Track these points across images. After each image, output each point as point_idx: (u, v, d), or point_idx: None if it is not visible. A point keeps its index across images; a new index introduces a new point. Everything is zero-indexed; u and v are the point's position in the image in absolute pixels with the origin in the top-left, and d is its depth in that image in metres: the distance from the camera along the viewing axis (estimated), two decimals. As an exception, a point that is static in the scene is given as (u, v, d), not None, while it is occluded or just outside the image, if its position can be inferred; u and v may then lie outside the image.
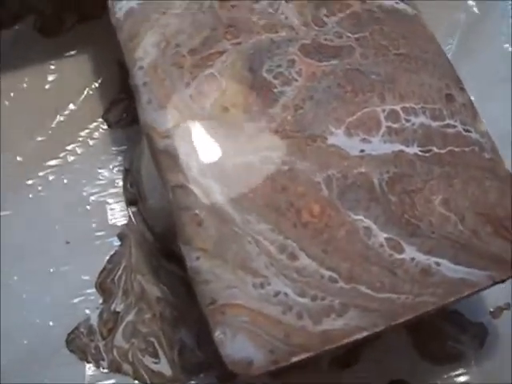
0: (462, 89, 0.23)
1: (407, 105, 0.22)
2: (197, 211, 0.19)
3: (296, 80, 0.21)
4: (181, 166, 0.19)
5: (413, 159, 0.21)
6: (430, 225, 0.20)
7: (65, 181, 0.24)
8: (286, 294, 0.18)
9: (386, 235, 0.20)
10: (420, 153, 0.21)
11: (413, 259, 0.20)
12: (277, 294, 0.18)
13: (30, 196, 0.24)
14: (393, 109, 0.21)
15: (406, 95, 0.22)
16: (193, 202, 0.19)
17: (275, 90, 0.21)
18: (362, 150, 0.20)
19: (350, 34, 0.22)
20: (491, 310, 0.25)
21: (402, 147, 0.21)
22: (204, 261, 0.18)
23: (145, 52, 0.21)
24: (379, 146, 0.21)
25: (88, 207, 0.24)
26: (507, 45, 0.29)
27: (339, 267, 0.19)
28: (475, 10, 0.30)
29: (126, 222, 0.24)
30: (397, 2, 0.24)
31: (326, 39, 0.22)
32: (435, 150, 0.21)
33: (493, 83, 0.28)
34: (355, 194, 0.20)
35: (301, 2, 0.23)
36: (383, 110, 0.21)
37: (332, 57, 0.22)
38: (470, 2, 0.30)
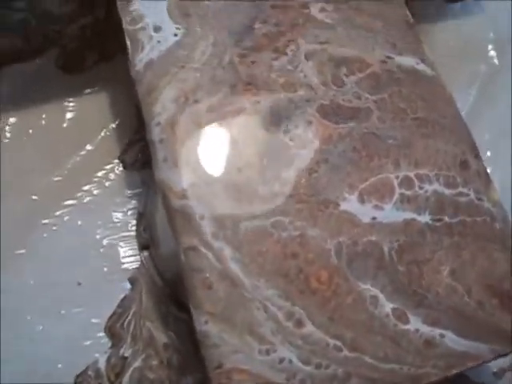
0: (477, 156, 0.24)
1: (422, 171, 0.23)
2: (207, 274, 0.20)
3: (312, 142, 0.23)
4: (195, 228, 0.21)
5: (423, 228, 0.22)
6: (436, 295, 0.21)
7: (79, 222, 0.26)
8: (290, 361, 0.20)
9: (392, 305, 0.21)
10: (431, 222, 0.22)
11: (417, 330, 0.21)
12: (282, 360, 0.20)
13: (45, 235, 0.26)
14: (407, 175, 0.23)
15: (422, 161, 0.23)
16: (204, 264, 0.20)
17: (291, 153, 0.22)
18: (374, 218, 0.22)
19: (368, 96, 0.24)
20: (494, 370, 0.26)
21: (414, 215, 0.22)
22: (212, 325, 0.20)
23: (163, 107, 0.22)
24: (391, 213, 0.22)
25: (101, 250, 0.26)
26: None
27: (344, 336, 0.20)
28: (495, 61, 0.31)
29: (137, 266, 0.26)
30: (417, 63, 0.25)
31: (344, 100, 0.24)
32: (446, 219, 0.22)
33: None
34: (364, 262, 0.21)
35: (320, 60, 0.24)
36: (397, 177, 0.23)
37: (349, 118, 0.23)
38: (491, 53, 0.31)
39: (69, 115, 0.28)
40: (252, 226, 0.21)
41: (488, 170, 0.24)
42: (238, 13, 0.25)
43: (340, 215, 0.22)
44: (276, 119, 0.23)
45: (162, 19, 0.24)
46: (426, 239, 0.22)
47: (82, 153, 0.27)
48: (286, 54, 0.24)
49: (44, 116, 0.28)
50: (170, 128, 0.22)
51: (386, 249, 0.21)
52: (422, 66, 0.25)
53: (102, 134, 0.27)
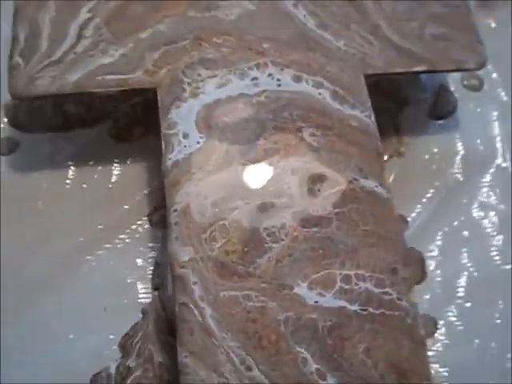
0: (407, 265, 0.34)
1: (360, 272, 0.34)
2: (191, 324, 0.32)
3: (283, 240, 0.34)
4: (188, 290, 0.32)
5: (351, 314, 0.33)
6: (350, 365, 0.32)
7: (111, 262, 0.38)
8: (238, 393, 0.31)
9: (316, 366, 0.32)
10: (358, 310, 0.33)
11: (332, 387, 0.32)
12: (232, 391, 0.31)
13: (85, 269, 0.38)
14: (348, 274, 0.34)
15: (362, 265, 0.34)
16: (191, 317, 0.32)
17: (266, 245, 0.34)
18: (316, 301, 0.33)
19: (332, 208, 0.35)
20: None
21: (346, 304, 0.33)
22: (189, 360, 0.31)
23: (181, 198, 0.34)
24: (330, 300, 0.33)
25: (125, 285, 0.37)
26: (481, 213, 0.41)
27: (279, 382, 0.32)
28: (459, 176, 0.41)
29: (149, 302, 0.37)
30: (376, 186, 0.36)
31: (313, 210, 0.35)
32: (370, 310, 0.33)
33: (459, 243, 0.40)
34: (303, 332, 0.32)
35: (302, 176, 0.35)
36: (340, 274, 0.34)
37: (314, 225, 0.34)
38: (458, 169, 0.42)
39: (114, 178, 0.40)
40: (228, 295, 0.32)
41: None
42: (248, 129, 0.36)
43: (292, 296, 0.33)
44: (259, 218, 0.34)
45: (190, 128, 0.36)
46: (352, 322, 0.33)
47: (121, 210, 0.39)
48: (277, 167, 0.35)
49: (96, 176, 0.40)
50: (183, 215, 0.34)
51: (320, 325, 0.32)
52: (379, 189, 0.36)
53: (137, 197, 0.39)
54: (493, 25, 0.47)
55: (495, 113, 0.44)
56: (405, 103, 0.44)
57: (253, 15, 0.39)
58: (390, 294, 0.34)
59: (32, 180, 0.40)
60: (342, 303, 0.33)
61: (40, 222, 0.39)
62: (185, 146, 0.35)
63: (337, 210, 0.35)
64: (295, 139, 0.36)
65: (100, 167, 0.40)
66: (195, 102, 0.36)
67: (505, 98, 0.45)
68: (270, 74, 0.38)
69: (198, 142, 0.35)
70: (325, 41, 0.39)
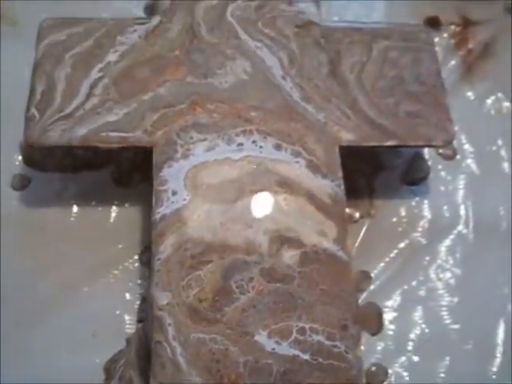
0: (356, 323, 0.41)
1: (314, 326, 0.41)
2: (164, 359, 0.39)
3: (249, 292, 0.41)
4: (163, 330, 0.40)
5: (303, 362, 0.40)
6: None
7: (103, 294, 0.46)
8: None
9: (268, 405, 0.39)
10: (310, 359, 0.40)
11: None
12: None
13: (81, 297, 0.45)
14: (303, 326, 0.41)
15: (316, 319, 0.41)
16: (163, 353, 0.39)
17: (234, 296, 0.41)
18: (273, 349, 0.40)
19: (295, 267, 0.42)
20: None
21: (300, 353, 0.40)
22: (159, 390, 0.39)
23: (165, 248, 0.42)
24: (285, 348, 0.40)
25: (113, 316, 0.45)
26: (438, 275, 0.47)
27: (234, 416, 0.39)
28: (422, 240, 0.48)
29: (134, 332, 0.45)
30: (338, 250, 0.42)
31: (279, 267, 0.42)
32: (320, 360, 0.40)
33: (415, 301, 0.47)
34: (259, 375, 0.40)
35: (273, 239, 0.42)
36: (297, 326, 0.41)
37: (278, 281, 0.41)
38: (421, 233, 0.48)
39: (112, 218, 0.48)
40: (197, 337, 0.40)
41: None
42: (229, 191, 0.43)
43: (253, 342, 0.40)
44: (231, 272, 0.41)
45: (178, 186, 0.43)
46: (303, 369, 0.40)
47: (116, 248, 0.47)
48: (251, 227, 0.42)
49: (96, 215, 0.48)
50: (165, 264, 0.41)
51: (275, 369, 0.40)
52: (340, 253, 0.43)
53: (131, 237, 0.47)
54: (472, 97, 0.54)
55: (463, 182, 0.51)
56: (380, 168, 0.51)
57: (245, 84, 0.47)
58: (339, 347, 0.41)
59: (40, 214, 0.48)
60: (296, 352, 0.40)
61: (44, 253, 0.47)
62: (172, 202, 0.43)
63: (299, 269, 0.42)
64: (269, 203, 0.43)
65: (101, 207, 0.48)
66: (185, 163, 0.44)
67: (474, 169, 0.51)
68: (254, 141, 0.45)
69: (185, 199, 0.43)
70: (307, 113, 0.46)
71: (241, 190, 0.44)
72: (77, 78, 0.46)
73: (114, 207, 0.49)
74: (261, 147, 0.45)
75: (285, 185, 0.44)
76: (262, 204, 0.43)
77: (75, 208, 0.48)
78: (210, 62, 0.47)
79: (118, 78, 0.46)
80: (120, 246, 0.47)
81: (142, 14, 0.56)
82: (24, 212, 0.48)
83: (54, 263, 0.47)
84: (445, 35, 0.56)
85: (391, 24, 0.51)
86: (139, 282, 0.47)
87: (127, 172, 0.50)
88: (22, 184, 0.49)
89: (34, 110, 0.45)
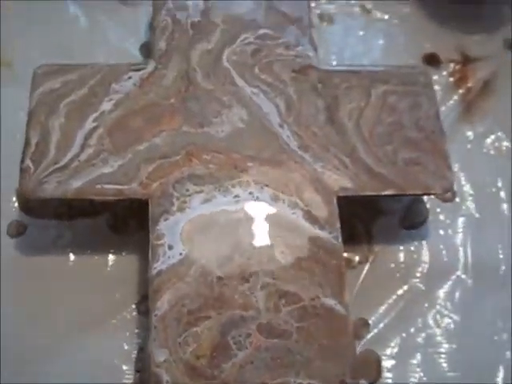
0: (354, 378, 0.42)
1: (312, 382, 0.41)
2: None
3: (247, 348, 0.41)
4: (160, 389, 0.40)
5: None
6: None
7: (101, 343, 0.46)
8: None
9: None
10: None
11: None
12: None
13: (77, 347, 0.46)
14: (301, 383, 0.41)
15: (314, 375, 0.42)
16: (161, 412, 0.40)
17: (232, 352, 0.41)
18: (271, 407, 0.40)
19: (293, 322, 0.42)
20: None
21: (297, 411, 0.41)
22: None
23: (162, 304, 0.42)
24: (283, 406, 0.41)
25: (112, 364, 0.46)
26: (437, 321, 0.48)
27: None
28: (421, 286, 0.48)
29: (131, 381, 0.46)
30: (336, 304, 0.43)
31: (276, 323, 0.42)
32: None
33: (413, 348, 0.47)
34: None
35: (270, 291, 0.42)
36: (295, 382, 0.41)
37: (276, 336, 0.42)
38: (419, 278, 0.49)
39: (109, 267, 0.48)
40: None
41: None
42: (225, 245, 0.43)
43: (251, 398, 0.41)
44: (228, 328, 0.42)
45: (175, 240, 0.44)
46: None
47: (113, 297, 0.47)
48: (248, 282, 0.43)
49: (93, 263, 0.48)
50: (162, 320, 0.42)
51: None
52: (338, 307, 0.43)
53: (128, 286, 0.48)
54: (471, 137, 0.54)
55: (462, 225, 0.51)
56: (378, 213, 0.51)
57: (241, 133, 0.47)
58: None
59: (36, 262, 0.48)
60: (295, 410, 0.41)
61: (40, 301, 0.47)
62: (169, 257, 0.43)
63: (297, 325, 0.42)
64: (266, 256, 0.44)
65: (97, 255, 0.49)
66: (181, 216, 0.44)
67: (474, 211, 0.52)
68: (250, 193, 0.45)
69: (181, 254, 0.43)
70: (304, 162, 0.46)
71: (237, 244, 0.44)
72: (71, 128, 0.47)
73: (110, 255, 0.49)
74: (257, 198, 0.45)
75: (282, 238, 0.44)
76: (259, 258, 0.44)
77: (71, 256, 0.49)
78: (206, 110, 0.48)
79: (113, 128, 0.47)
80: (117, 295, 0.48)
81: (137, 52, 0.56)
82: (20, 259, 0.48)
83: (50, 311, 0.47)
84: (444, 73, 0.57)
85: (389, 66, 0.52)
86: (136, 331, 0.47)
87: (123, 219, 0.50)
88: (17, 231, 0.49)
89: (28, 162, 0.45)
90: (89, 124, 0.47)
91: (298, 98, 0.49)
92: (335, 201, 0.46)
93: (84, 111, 0.47)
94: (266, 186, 0.46)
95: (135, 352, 0.47)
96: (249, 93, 0.49)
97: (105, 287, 0.48)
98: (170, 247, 0.44)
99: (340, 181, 0.46)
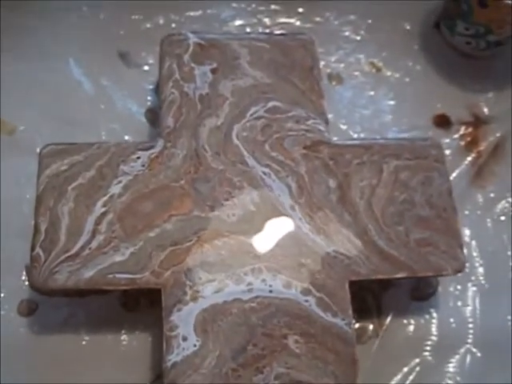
0: None
1: None
2: None
3: None
4: None
5: None
6: None
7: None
8: None
9: None
10: None
11: None
12: None
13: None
14: None
15: None
16: None
17: None
18: None
19: None
20: None
21: None
22: None
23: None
24: None
25: None
26: None
27: None
28: (430, 358, 0.49)
29: None
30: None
31: None
32: None
33: None
34: None
35: (283, 381, 0.43)
36: None
37: None
38: (428, 352, 0.49)
39: (123, 346, 0.49)
40: None
41: None
42: (239, 335, 0.44)
43: None
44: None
45: (188, 331, 0.44)
46: None
47: (128, 376, 0.47)
48: (262, 372, 0.43)
49: (106, 341, 0.48)
50: None
51: None
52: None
53: (143, 364, 0.48)
54: (482, 202, 0.54)
55: (472, 295, 0.51)
56: (388, 285, 0.51)
57: (253, 217, 0.46)
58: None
59: (49, 342, 0.49)
60: None
61: (54, 380, 0.47)
62: (183, 349, 0.43)
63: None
64: (280, 346, 0.44)
65: (110, 334, 0.49)
66: (195, 306, 0.44)
67: (483, 281, 0.52)
68: (263, 280, 0.45)
69: (195, 345, 0.43)
70: (316, 246, 0.46)
71: (251, 334, 0.44)
72: (80, 213, 0.46)
73: (123, 333, 0.49)
74: (270, 286, 0.45)
75: (294, 326, 0.45)
76: (273, 348, 0.44)
77: (84, 335, 0.49)
78: (217, 192, 0.47)
79: (123, 213, 0.46)
80: (131, 374, 0.48)
81: (143, 117, 0.55)
82: (32, 339, 0.49)
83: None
84: (455, 136, 0.56)
85: (400, 139, 0.51)
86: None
87: (134, 297, 0.50)
88: (29, 310, 0.49)
89: (39, 250, 0.45)
90: (98, 209, 0.46)
91: (309, 178, 0.48)
92: (347, 286, 0.46)
93: (93, 195, 0.47)
94: (279, 272, 0.46)
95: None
96: (260, 173, 0.48)
97: (119, 366, 0.49)
98: (184, 338, 0.44)
99: (352, 265, 0.46)
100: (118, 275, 0.45)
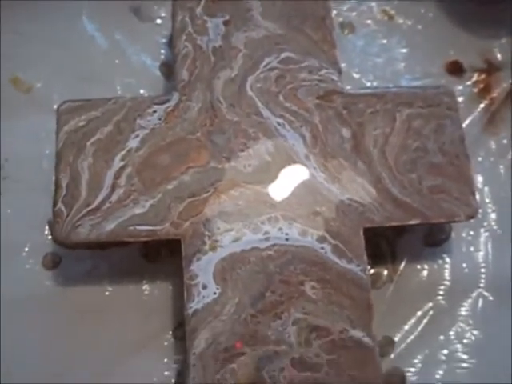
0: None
1: None
2: None
3: (281, 382, 0.44)
4: (202, 424, 0.43)
5: None
6: None
7: (141, 370, 0.49)
8: None
9: None
10: None
11: None
12: None
13: (118, 375, 0.48)
14: None
15: (345, 405, 0.44)
16: None
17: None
18: None
19: (324, 355, 0.44)
20: None
21: None
22: None
23: (199, 343, 0.44)
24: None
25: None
26: (458, 337, 0.50)
27: None
28: (444, 302, 0.50)
29: None
30: (363, 336, 0.45)
31: (308, 356, 0.44)
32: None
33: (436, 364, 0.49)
34: None
35: (301, 326, 0.44)
36: None
37: (308, 369, 0.44)
38: (441, 296, 0.50)
39: (145, 296, 0.50)
40: (234, 428, 0.43)
41: None
42: (257, 282, 0.45)
43: (286, 431, 0.43)
44: (263, 363, 0.44)
45: (208, 280, 0.45)
46: None
47: (150, 324, 0.49)
48: (280, 318, 0.45)
49: (128, 292, 0.50)
50: (199, 358, 0.44)
51: None
52: (366, 339, 0.45)
53: (165, 313, 0.50)
54: (495, 149, 0.54)
55: (484, 241, 0.52)
56: (402, 231, 0.52)
57: (268, 167, 0.47)
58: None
59: (72, 293, 0.50)
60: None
61: (79, 333, 0.50)
62: (203, 297, 0.45)
63: (328, 357, 0.45)
64: (297, 292, 0.45)
65: (132, 284, 0.51)
66: (214, 256, 0.46)
67: (495, 227, 0.53)
68: (279, 228, 0.46)
69: (215, 293, 0.45)
70: (331, 194, 0.47)
71: (269, 281, 0.46)
72: (100, 168, 0.47)
73: (145, 283, 0.51)
74: (287, 234, 0.46)
75: (311, 273, 0.46)
76: (291, 294, 0.45)
77: (107, 285, 0.51)
78: (232, 143, 0.48)
79: (141, 166, 0.47)
80: (154, 323, 0.50)
81: (157, 71, 0.56)
82: (57, 291, 0.51)
83: (89, 343, 0.50)
84: (468, 83, 0.56)
85: (413, 87, 0.51)
86: (175, 357, 0.50)
87: (155, 248, 0.52)
88: (53, 263, 0.51)
89: (60, 205, 0.46)
90: (117, 163, 0.47)
91: (323, 127, 0.49)
92: (362, 233, 0.47)
93: (111, 150, 0.48)
94: (295, 221, 0.47)
95: (174, 375, 0.50)
96: (274, 124, 0.49)
97: (142, 315, 0.50)
98: (204, 287, 0.46)
99: (366, 213, 0.47)
100: (138, 227, 0.47)
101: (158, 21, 0.59)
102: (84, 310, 0.50)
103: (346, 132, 0.49)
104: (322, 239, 0.47)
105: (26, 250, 0.52)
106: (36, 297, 0.51)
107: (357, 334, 0.46)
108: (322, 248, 0.47)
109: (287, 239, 0.47)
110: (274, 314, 0.46)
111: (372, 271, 0.52)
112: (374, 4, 0.61)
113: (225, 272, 0.46)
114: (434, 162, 0.49)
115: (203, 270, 0.46)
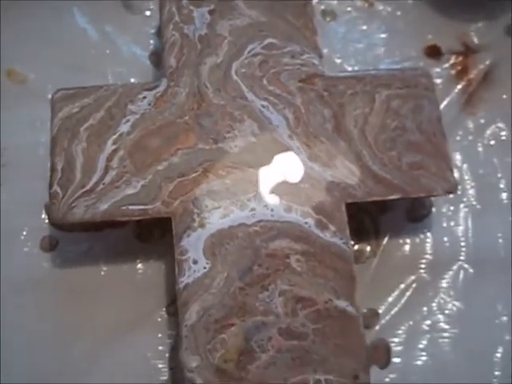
0: (367, 372, 0.47)
1: (328, 377, 0.47)
2: (197, 417, 0.45)
3: (269, 350, 0.47)
4: (194, 392, 0.46)
5: None
6: None
7: (136, 346, 0.51)
8: None
9: None
10: None
11: None
12: None
13: (115, 352, 0.51)
14: (319, 378, 0.47)
15: (330, 371, 0.47)
16: (196, 412, 0.46)
17: (256, 355, 0.47)
18: (294, 401, 0.46)
19: (309, 325, 0.47)
20: None
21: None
22: None
23: (190, 316, 0.47)
24: (304, 400, 0.46)
25: (147, 366, 0.51)
26: (440, 308, 0.52)
27: None
28: (426, 276, 0.53)
29: (166, 378, 0.51)
30: (347, 305, 0.47)
31: (295, 326, 0.47)
32: None
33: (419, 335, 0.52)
34: None
35: (287, 297, 0.47)
36: (313, 378, 0.46)
37: (294, 338, 0.47)
38: (423, 269, 0.53)
39: (138, 275, 0.53)
40: None
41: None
42: (245, 257, 0.48)
43: (274, 397, 0.46)
44: (252, 333, 0.47)
45: (198, 255, 0.48)
46: None
47: (144, 302, 0.52)
48: (267, 290, 0.47)
49: (123, 271, 0.53)
50: (191, 330, 0.47)
51: (296, 419, 0.46)
52: (350, 308, 0.48)
53: (158, 291, 0.53)
54: (472, 128, 0.57)
55: (464, 216, 0.55)
56: (385, 207, 0.55)
57: (254, 147, 0.50)
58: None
59: (69, 274, 0.53)
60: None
61: (76, 312, 0.53)
62: (194, 271, 0.48)
63: (313, 326, 0.48)
64: (283, 265, 0.48)
65: (126, 264, 0.54)
66: (203, 232, 0.48)
67: (474, 202, 0.56)
68: (265, 205, 0.49)
69: (205, 268, 0.48)
70: (314, 172, 0.50)
71: (256, 255, 0.49)
72: (93, 152, 0.50)
73: (139, 263, 0.54)
74: (272, 210, 0.49)
75: (296, 246, 0.49)
76: (277, 267, 0.48)
77: (103, 266, 0.54)
78: (219, 125, 0.51)
79: (132, 149, 0.50)
80: (148, 300, 0.53)
81: (147, 60, 0.59)
82: (54, 273, 0.54)
83: (86, 321, 0.52)
84: (445, 65, 0.59)
85: (392, 70, 0.54)
86: (168, 332, 0.53)
87: (147, 228, 0.55)
88: (50, 245, 0.54)
89: (56, 187, 0.49)
90: (109, 147, 0.50)
91: (305, 109, 0.52)
92: (344, 208, 0.50)
93: (103, 134, 0.51)
94: (280, 198, 0.50)
95: (167, 352, 0.53)
96: (259, 106, 0.52)
97: (136, 293, 0.54)
98: (195, 262, 0.49)
99: (348, 188, 0.50)
100: (130, 207, 0.50)
101: (147, 13, 0.62)
102: (80, 289, 0.53)
103: (327, 113, 0.52)
104: (306, 214, 0.50)
105: (25, 233, 0.55)
106: (34, 278, 0.54)
107: (341, 303, 0.49)
108: (306, 223, 0.50)
109: (273, 215, 0.50)
110: (261, 286, 0.49)
111: (356, 247, 0.55)
112: (354, -9, 0.65)
113: (214, 247, 0.49)
114: (413, 140, 0.52)
115: (193, 245, 0.49)
